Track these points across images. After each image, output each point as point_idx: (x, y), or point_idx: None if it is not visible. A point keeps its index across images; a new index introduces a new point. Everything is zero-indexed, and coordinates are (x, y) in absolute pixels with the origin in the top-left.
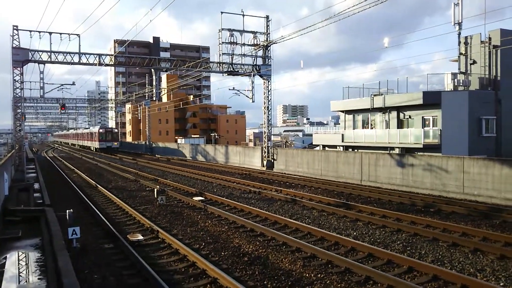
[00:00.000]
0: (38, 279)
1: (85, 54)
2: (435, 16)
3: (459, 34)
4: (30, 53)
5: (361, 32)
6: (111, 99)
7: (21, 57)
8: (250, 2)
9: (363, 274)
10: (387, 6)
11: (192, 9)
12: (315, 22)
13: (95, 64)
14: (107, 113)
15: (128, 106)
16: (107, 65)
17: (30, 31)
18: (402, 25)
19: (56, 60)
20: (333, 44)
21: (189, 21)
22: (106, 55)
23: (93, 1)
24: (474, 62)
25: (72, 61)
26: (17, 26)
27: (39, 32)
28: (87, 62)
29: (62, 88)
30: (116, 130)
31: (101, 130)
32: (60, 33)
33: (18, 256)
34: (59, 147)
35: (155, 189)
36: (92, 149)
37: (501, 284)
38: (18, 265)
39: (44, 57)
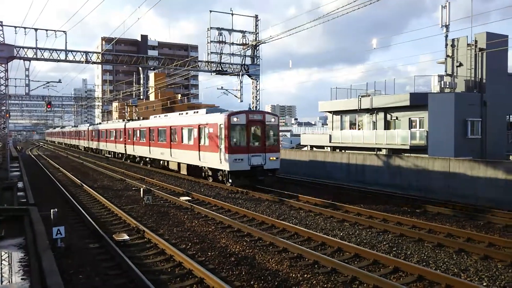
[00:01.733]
0: (22, 279)
1: (71, 51)
2: (422, 18)
3: (446, 36)
4: (15, 50)
5: (348, 32)
6: (98, 97)
7: (6, 54)
8: (237, 2)
9: (349, 274)
10: (374, 7)
11: (178, 7)
12: (303, 23)
13: (82, 62)
14: (93, 111)
15: (115, 104)
16: (94, 62)
17: (15, 27)
18: (389, 27)
19: (42, 57)
20: (321, 44)
21: (175, 20)
22: (93, 52)
23: None
24: (461, 64)
25: (58, 58)
26: (1, 22)
27: (25, 28)
28: (74, 59)
29: (48, 86)
30: (273, 120)
31: (235, 118)
32: (46, 30)
33: (1, 256)
34: (46, 146)
35: (142, 189)
36: (178, 169)
37: (484, 284)
38: (1, 265)
39: (30, 54)
